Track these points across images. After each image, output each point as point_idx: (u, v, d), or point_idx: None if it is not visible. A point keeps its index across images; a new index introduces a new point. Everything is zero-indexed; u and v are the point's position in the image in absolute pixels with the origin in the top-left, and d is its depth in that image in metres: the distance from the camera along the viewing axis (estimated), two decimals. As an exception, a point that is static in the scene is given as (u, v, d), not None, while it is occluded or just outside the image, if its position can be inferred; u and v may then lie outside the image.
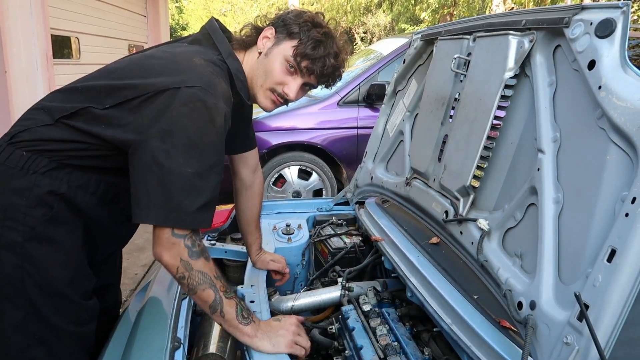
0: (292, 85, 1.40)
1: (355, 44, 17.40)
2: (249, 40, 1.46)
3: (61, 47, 5.22)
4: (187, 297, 1.50)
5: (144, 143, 1.19)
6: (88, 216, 1.34)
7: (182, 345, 1.26)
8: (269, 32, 1.41)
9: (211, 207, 1.24)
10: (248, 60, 1.45)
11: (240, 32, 1.49)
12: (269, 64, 1.39)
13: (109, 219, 1.42)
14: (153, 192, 1.17)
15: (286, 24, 1.38)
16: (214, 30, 1.42)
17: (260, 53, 1.41)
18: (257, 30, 1.45)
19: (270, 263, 1.86)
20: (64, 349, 1.32)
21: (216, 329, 1.45)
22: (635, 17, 11.44)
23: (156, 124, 1.19)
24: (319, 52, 1.36)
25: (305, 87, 1.44)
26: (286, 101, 1.44)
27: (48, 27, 4.40)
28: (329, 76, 1.41)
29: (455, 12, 14.36)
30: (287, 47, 1.37)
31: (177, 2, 20.64)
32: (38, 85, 4.18)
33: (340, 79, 1.49)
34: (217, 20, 1.48)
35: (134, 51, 7.59)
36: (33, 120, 1.29)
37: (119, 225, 1.47)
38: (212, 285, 1.27)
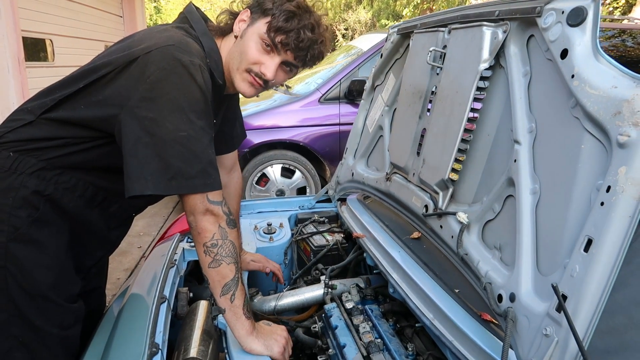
0: (270, 63, 1.32)
1: (337, 41, 17.38)
2: (226, 27, 1.41)
3: (34, 49, 5.10)
4: (166, 301, 1.46)
5: (128, 115, 1.16)
6: (76, 219, 1.34)
7: (159, 351, 1.23)
8: (245, 14, 1.35)
9: (213, 166, 1.21)
10: (225, 47, 1.39)
11: (217, 19, 1.43)
12: (243, 45, 1.33)
13: (99, 223, 1.41)
14: (148, 162, 1.14)
15: (260, 3, 1.32)
16: (190, 12, 1.39)
17: (236, 37, 1.36)
18: (234, 15, 1.39)
19: (251, 263, 1.84)
20: (47, 353, 1.31)
21: (197, 333, 1.42)
22: (611, 9, 11.63)
23: (135, 93, 1.16)
24: (293, 24, 1.28)
25: (285, 68, 1.37)
26: (265, 83, 1.35)
27: (19, 29, 4.28)
28: (307, 50, 1.32)
29: (434, 7, 14.41)
30: (261, 25, 1.30)
31: (154, 1, 20.39)
32: (10, 89, 4.07)
33: (322, 58, 1.40)
34: (197, 7, 1.44)
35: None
36: (17, 120, 1.29)
37: (110, 229, 1.46)
38: (236, 261, 1.25)
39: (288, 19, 1.28)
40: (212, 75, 1.30)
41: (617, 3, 11.73)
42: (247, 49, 1.32)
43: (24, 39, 4.53)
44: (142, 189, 1.15)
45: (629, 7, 11.78)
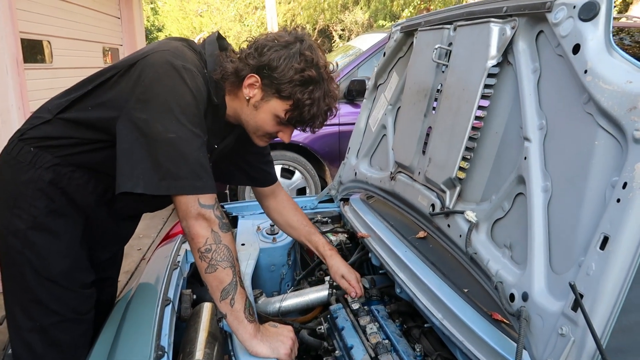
0: (287, 132, 1.42)
1: (334, 42, 17.37)
2: (232, 79, 1.38)
3: (32, 51, 5.06)
4: (170, 304, 1.44)
5: (125, 116, 1.22)
6: (88, 214, 1.41)
7: (165, 354, 1.21)
8: (253, 79, 1.33)
9: (204, 169, 1.23)
10: (234, 97, 1.39)
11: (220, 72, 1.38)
12: (259, 118, 1.37)
13: (108, 219, 1.48)
14: (140, 162, 1.19)
15: (273, 80, 1.30)
16: (210, 36, 1.44)
17: (248, 100, 1.36)
18: (236, 70, 1.34)
19: (342, 280, 1.67)
20: (64, 336, 1.38)
21: (202, 335, 1.40)
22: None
23: (132, 95, 1.22)
24: (312, 111, 1.33)
25: None
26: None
27: (17, 31, 4.24)
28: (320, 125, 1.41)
29: (432, 7, 14.41)
30: (279, 108, 1.33)
31: (151, 3, 20.33)
32: (9, 91, 4.03)
33: None
34: (221, 36, 1.46)
35: (109, 54, 7.43)
36: (38, 118, 1.37)
37: (117, 225, 1.53)
38: (233, 265, 1.25)
39: (309, 109, 1.32)
40: (209, 91, 1.33)
41: (614, 2, 11.74)
42: (265, 124, 1.38)
43: (22, 40, 4.49)
44: (133, 187, 1.18)
45: (625, 7, 11.81)
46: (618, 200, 0.85)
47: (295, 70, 1.29)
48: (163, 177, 1.18)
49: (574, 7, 1.02)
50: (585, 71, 0.97)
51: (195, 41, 1.44)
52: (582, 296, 0.87)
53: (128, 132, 1.20)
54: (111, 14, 7.43)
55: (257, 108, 1.36)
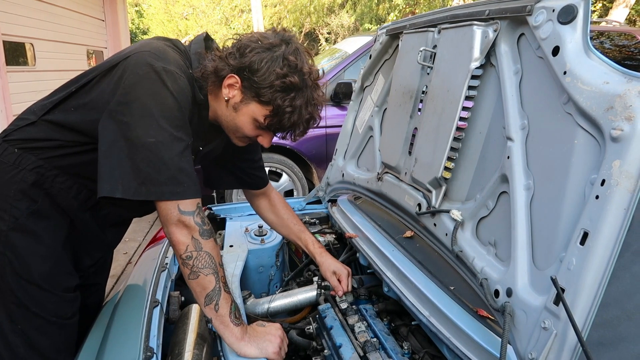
0: (266, 137, 1.40)
1: (320, 45, 17.42)
2: (212, 78, 1.35)
3: (15, 54, 5.01)
4: (159, 305, 1.44)
5: (106, 118, 1.20)
6: (72, 217, 1.39)
7: (154, 355, 1.21)
8: (233, 80, 1.29)
9: (185, 174, 1.21)
10: (215, 97, 1.37)
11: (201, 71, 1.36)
12: (238, 120, 1.34)
13: (93, 225, 1.46)
14: (120, 166, 1.17)
15: (252, 83, 1.26)
16: (197, 36, 1.43)
17: (227, 100, 1.33)
18: (216, 70, 1.31)
19: (332, 277, 1.72)
20: (45, 340, 1.36)
21: (190, 337, 1.40)
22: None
23: (114, 97, 1.20)
24: (293, 119, 1.29)
25: None
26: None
27: None
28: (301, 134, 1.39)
29: (417, 11, 14.54)
30: (258, 113, 1.30)
31: (136, 6, 20.19)
32: (-9, 94, 4.00)
33: None
34: (209, 37, 1.44)
35: (94, 57, 7.37)
36: (23, 119, 1.36)
37: (103, 231, 1.51)
38: (215, 271, 1.25)
39: (289, 117, 1.29)
40: (194, 90, 1.32)
41: (595, 7, 11.99)
42: (243, 127, 1.35)
43: (4, 42, 4.45)
44: (112, 191, 1.17)
45: (605, 10, 12.05)
46: (597, 197, 0.88)
47: (277, 75, 1.24)
48: (142, 182, 1.17)
49: (553, 10, 1.05)
50: (565, 72, 1.00)
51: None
52: (563, 290, 0.90)
53: (109, 134, 1.19)
54: (95, 16, 7.38)
55: (236, 110, 1.32)
